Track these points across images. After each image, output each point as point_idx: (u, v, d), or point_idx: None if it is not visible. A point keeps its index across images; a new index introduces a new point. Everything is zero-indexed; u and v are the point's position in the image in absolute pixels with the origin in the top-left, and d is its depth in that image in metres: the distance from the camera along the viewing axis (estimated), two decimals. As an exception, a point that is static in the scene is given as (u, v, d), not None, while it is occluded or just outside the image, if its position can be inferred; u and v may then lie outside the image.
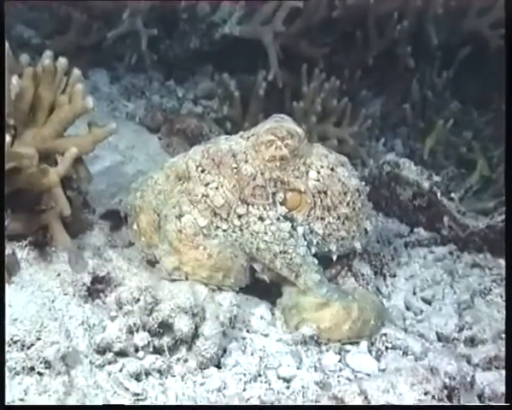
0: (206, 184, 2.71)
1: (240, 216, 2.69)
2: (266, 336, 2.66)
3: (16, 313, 2.48)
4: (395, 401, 2.19)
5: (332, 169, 2.83)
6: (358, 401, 2.24)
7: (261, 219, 2.69)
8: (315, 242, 2.79)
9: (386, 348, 2.75)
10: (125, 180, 3.55)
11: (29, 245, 2.79)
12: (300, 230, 2.75)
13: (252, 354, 2.52)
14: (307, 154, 2.84)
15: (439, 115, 4.87)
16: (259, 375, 2.41)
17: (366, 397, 2.25)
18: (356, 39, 4.59)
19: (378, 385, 2.26)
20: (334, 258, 2.87)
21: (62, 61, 2.78)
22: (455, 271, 3.59)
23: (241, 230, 2.69)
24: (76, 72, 2.81)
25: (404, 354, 2.74)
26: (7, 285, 2.67)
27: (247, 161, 2.73)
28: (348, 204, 2.82)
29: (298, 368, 2.48)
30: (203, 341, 2.43)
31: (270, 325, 2.74)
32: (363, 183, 3.02)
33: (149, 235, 2.87)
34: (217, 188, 2.70)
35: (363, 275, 3.06)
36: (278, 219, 2.70)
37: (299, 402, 2.25)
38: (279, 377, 2.42)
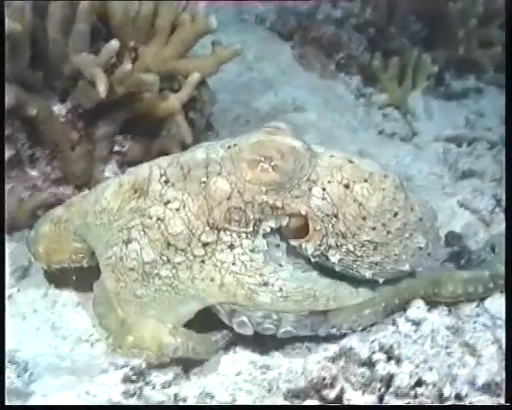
0: (166, 203, 2.50)
1: (205, 244, 2.47)
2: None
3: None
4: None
5: (346, 186, 2.50)
6: (492, 350, 2.51)
7: (231, 246, 2.49)
8: (337, 269, 2.56)
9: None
10: (253, 98, 3.89)
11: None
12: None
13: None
14: (313, 169, 2.52)
15: None
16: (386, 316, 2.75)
17: (500, 347, 2.51)
18: None
19: (516, 334, 2.50)
20: (380, 281, 2.63)
21: (184, -25, 3.12)
22: None
23: (202, 261, 2.47)
24: (198, -13, 3.16)
25: None
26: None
27: (219, 174, 2.49)
28: (374, 229, 2.51)
29: (429, 311, 2.79)
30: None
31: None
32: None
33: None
34: (177, 209, 2.49)
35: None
36: (253, 250, 2.50)
37: (427, 347, 2.57)
38: (407, 320, 2.74)
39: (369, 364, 2.28)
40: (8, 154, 2.90)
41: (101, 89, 2.73)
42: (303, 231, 2.52)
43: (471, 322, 2.78)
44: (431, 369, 2.25)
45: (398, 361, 2.27)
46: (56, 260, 2.72)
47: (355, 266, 2.54)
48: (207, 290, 2.44)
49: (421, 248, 2.61)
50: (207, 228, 2.46)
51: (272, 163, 2.45)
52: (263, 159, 2.45)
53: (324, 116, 4.32)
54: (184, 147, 3.11)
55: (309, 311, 2.51)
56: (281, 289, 2.48)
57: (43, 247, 2.73)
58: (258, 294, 2.46)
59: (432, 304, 2.82)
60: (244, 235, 2.48)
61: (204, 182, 2.48)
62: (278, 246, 2.57)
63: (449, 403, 2.12)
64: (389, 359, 2.30)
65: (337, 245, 2.50)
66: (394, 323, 2.72)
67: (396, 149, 4.40)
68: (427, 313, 2.76)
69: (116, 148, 3.12)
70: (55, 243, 2.71)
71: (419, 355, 2.30)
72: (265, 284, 2.47)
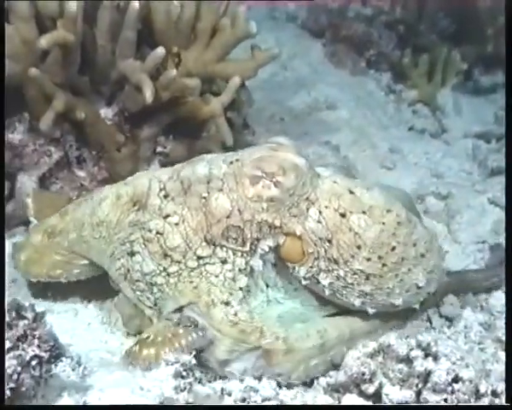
0: (165, 217, 2.49)
1: (200, 258, 2.47)
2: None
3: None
4: None
5: (342, 215, 2.47)
6: (524, 346, 2.60)
7: (224, 262, 2.48)
8: (327, 293, 2.54)
9: None
10: (286, 97, 3.98)
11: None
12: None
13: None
14: (313, 189, 2.50)
15: None
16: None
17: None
18: None
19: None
20: (370, 312, 2.59)
21: (223, -20, 3.22)
22: None
23: (191, 271, 2.48)
24: (238, -8, 3.26)
25: None
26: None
27: (221, 190, 2.47)
28: (369, 260, 2.48)
29: (462, 307, 2.89)
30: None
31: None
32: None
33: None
34: (177, 224, 2.48)
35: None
36: (244, 270, 2.49)
37: (461, 342, 2.67)
38: (441, 316, 2.85)
39: (407, 360, 2.38)
40: (56, 155, 3.04)
41: (148, 95, 2.85)
42: (296, 254, 2.50)
43: (503, 318, 2.88)
44: (467, 366, 2.33)
45: (436, 358, 2.37)
46: (34, 272, 2.71)
47: (344, 292, 2.52)
48: (184, 291, 2.46)
49: (419, 286, 2.58)
50: (204, 243, 2.46)
51: (274, 179, 2.43)
52: (264, 175, 2.44)
53: (356, 113, 4.42)
54: (224, 147, 3.23)
55: (254, 346, 2.43)
56: (235, 315, 2.43)
57: (25, 256, 2.73)
58: (215, 308, 2.43)
59: (464, 301, 2.93)
60: (239, 253, 2.47)
61: (205, 197, 2.47)
62: (274, 265, 2.57)
63: (485, 400, 2.20)
64: (426, 355, 2.40)
65: (328, 270, 2.49)
66: (428, 319, 2.84)
67: (426, 145, 4.49)
68: (460, 309, 2.88)
69: (159, 149, 3.24)
70: (36, 254, 2.72)
71: (456, 352, 2.39)
72: (226, 304, 2.44)
